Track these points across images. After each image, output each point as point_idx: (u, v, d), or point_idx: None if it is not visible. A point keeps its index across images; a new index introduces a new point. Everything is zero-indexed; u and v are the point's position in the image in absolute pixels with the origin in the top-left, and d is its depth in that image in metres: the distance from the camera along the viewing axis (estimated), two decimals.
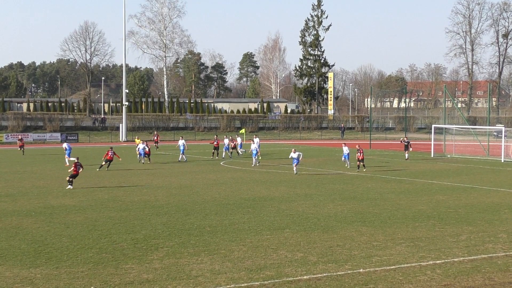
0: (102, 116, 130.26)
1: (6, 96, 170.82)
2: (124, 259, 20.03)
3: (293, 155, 46.97)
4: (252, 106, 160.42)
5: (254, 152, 55.10)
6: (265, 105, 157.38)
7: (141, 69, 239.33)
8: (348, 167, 51.95)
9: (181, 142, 59.96)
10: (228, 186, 39.45)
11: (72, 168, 38.50)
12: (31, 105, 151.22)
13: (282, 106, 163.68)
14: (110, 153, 50.34)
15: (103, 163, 50.55)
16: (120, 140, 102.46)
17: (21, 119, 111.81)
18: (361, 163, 49.11)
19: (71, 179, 38.20)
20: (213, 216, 28.15)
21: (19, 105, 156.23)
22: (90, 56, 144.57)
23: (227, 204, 32.05)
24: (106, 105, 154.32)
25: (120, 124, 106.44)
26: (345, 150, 53.33)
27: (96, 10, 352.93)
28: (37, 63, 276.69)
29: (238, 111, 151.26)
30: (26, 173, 48.12)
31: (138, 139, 64.82)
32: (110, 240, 22.95)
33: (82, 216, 28.04)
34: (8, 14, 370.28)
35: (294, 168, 46.89)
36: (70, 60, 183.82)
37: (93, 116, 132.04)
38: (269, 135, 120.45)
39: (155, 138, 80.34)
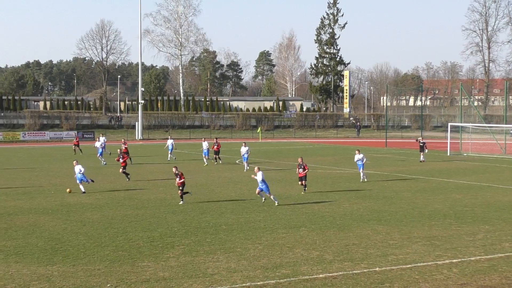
0: (118, 114, 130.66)
1: (23, 95, 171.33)
2: (140, 257, 20.11)
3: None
4: (268, 104, 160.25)
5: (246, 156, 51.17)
6: (280, 103, 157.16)
7: (157, 67, 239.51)
8: (365, 180, 41.90)
9: (169, 141, 58.93)
10: (244, 185, 39.45)
11: None
12: (48, 103, 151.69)
13: (297, 104, 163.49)
14: None
15: None
16: (136, 138, 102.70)
17: (38, 117, 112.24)
18: (303, 182, 35.97)
19: None
20: (229, 215, 28.19)
21: (35, 103, 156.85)
22: (106, 54, 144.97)
23: (243, 202, 32.08)
24: (122, 104, 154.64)
25: (136, 123, 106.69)
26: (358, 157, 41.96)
27: (112, 9, 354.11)
28: (54, 62, 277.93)
29: (254, 109, 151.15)
30: (43, 171, 48.35)
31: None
32: (126, 238, 23.05)
33: (98, 214, 28.18)
34: (25, 12, 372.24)
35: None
36: (86, 58, 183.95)
37: (109, 114, 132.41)
38: (285, 134, 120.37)
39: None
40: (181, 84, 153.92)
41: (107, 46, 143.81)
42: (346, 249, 21.22)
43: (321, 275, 17.91)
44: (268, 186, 30.90)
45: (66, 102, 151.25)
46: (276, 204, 30.74)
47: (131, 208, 30.12)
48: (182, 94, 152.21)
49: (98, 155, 55.19)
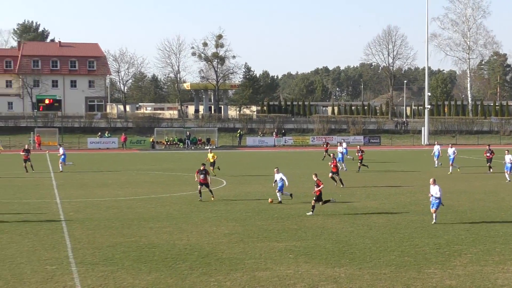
0: (404, 119, 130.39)
1: (312, 100, 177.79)
2: (426, 264, 19.92)
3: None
4: None
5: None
6: None
7: (444, 71, 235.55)
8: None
9: (436, 148, 55.99)
10: None
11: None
12: (335, 108, 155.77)
13: None
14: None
15: None
16: (422, 143, 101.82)
17: (326, 122, 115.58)
18: None
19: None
20: None
21: (324, 108, 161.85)
22: (393, 59, 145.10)
23: None
24: (408, 108, 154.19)
25: (422, 128, 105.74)
26: None
27: (399, 14, 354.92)
28: (341, 68, 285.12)
29: None
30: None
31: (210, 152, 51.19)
32: (412, 243, 22.95)
33: (384, 219, 28.34)
34: (319, 23, 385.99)
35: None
36: (373, 64, 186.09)
37: (395, 119, 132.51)
38: None
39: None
40: (468, 88, 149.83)
41: (393, 51, 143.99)
42: None
43: None
44: (440, 202, 27.56)
45: (353, 107, 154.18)
46: (433, 222, 27.23)
47: (417, 213, 29.93)
48: (470, 99, 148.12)
49: (338, 159, 54.62)
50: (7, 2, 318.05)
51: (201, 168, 34.70)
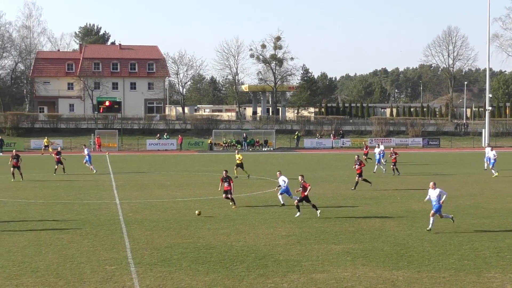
0: (464, 121, 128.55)
1: (370, 102, 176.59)
2: (486, 268, 19.63)
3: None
4: None
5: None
6: None
7: (506, 72, 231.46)
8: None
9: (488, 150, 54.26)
10: None
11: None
12: (394, 110, 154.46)
13: None
14: None
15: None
16: (483, 145, 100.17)
17: (384, 124, 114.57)
18: None
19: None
20: None
21: (382, 110, 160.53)
22: (453, 60, 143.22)
23: None
24: (469, 110, 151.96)
25: (483, 130, 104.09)
26: None
27: (460, 15, 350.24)
28: (400, 69, 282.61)
29: None
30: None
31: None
32: (472, 247, 22.61)
33: (443, 222, 27.65)
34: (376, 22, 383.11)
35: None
36: (432, 65, 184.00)
37: (455, 121, 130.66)
38: None
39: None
40: None
41: (453, 52, 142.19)
42: None
43: None
44: (441, 207, 25.95)
45: (412, 109, 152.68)
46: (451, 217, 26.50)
47: (477, 217, 29.46)
48: None
49: (377, 162, 53.52)
50: (69, 6, 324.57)
51: (224, 175, 33.05)
